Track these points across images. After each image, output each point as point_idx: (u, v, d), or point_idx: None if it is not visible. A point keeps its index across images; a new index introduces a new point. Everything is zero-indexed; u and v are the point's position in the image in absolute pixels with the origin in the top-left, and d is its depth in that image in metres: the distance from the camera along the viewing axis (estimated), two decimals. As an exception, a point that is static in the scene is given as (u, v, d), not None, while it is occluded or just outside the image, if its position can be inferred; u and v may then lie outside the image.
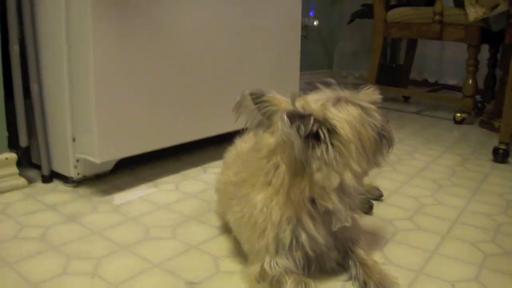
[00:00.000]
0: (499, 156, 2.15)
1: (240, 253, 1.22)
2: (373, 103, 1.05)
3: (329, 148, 0.95)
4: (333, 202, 1.00)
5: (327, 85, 1.06)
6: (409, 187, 1.79)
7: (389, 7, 3.09)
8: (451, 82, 3.95)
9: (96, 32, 1.48)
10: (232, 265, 1.19)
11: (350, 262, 1.13)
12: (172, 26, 1.74)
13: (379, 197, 1.62)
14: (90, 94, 1.52)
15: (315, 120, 0.94)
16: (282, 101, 1.04)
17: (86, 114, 1.55)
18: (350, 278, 1.12)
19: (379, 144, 1.04)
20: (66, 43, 1.55)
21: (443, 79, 4.01)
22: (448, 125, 2.91)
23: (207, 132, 1.95)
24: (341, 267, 1.15)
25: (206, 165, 1.96)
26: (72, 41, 1.54)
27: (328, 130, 0.95)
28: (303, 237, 1.05)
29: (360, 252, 1.15)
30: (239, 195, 1.13)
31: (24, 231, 1.34)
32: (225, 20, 1.95)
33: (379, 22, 3.07)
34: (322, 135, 0.94)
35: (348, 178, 0.98)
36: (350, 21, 4.03)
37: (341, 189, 1.00)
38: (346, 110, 0.98)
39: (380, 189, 1.63)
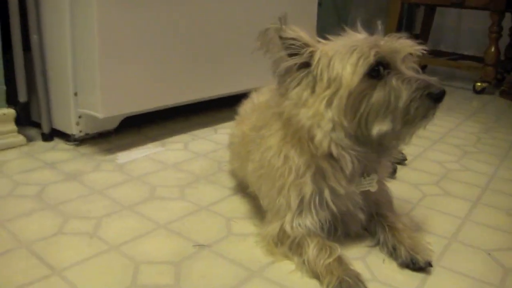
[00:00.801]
0: (526, 123, 2.01)
1: (256, 215, 1.11)
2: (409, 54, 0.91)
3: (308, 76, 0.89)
4: (326, 146, 0.88)
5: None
6: (433, 152, 1.66)
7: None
8: (467, 53, 3.78)
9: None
10: (245, 227, 1.08)
11: (377, 226, 1.01)
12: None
13: (402, 160, 1.49)
14: (93, 45, 1.39)
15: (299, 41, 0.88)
16: (310, 38, 0.91)
17: (89, 67, 1.42)
18: (377, 244, 1.00)
19: (399, 110, 0.85)
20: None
21: (460, 51, 3.84)
22: (467, 94, 2.76)
23: (217, 90, 1.82)
24: (366, 232, 1.04)
25: (217, 126, 1.83)
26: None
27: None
28: (326, 191, 0.93)
29: (389, 214, 1.02)
30: (256, 141, 1.01)
31: (19, 189, 1.23)
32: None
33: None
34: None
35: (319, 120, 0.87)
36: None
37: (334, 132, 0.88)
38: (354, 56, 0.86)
39: (403, 153, 1.50)
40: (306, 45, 0.89)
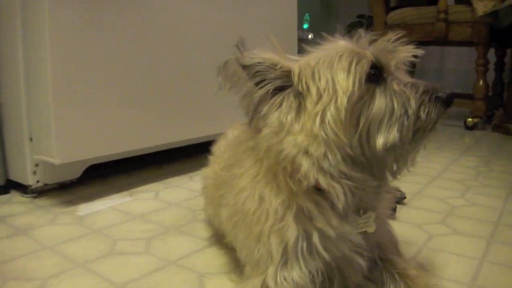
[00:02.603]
0: (525, 155, 1.86)
1: (233, 269, 0.92)
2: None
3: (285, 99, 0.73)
4: (312, 176, 0.70)
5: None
6: (433, 189, 1.48)
7: (389, 9, 2.84)
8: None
9: (53, 19, 1.21)
10: (221, 284, 0.88)
11: (384, 274, 0.81)
12: (148, 15, 1.45)
13: (401, 199, 1.31)
14: (47, 86, 1.23)
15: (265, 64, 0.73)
16: (275, 57, 0.74)
17: (43, 110, 1.26)
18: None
19: (409, 117, 0.70)
20: (21, 28, 1.28)
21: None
22: (459, 131, 2.63)
23: (192, 134, 1.64)
24: (370, 282, 0.83)
25: (193, 173, 1.64)
26: (27, 27, 1.27)
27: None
28: (314, 234, 0.74)
29: (397, 259, 0.83)
30: (229, 182, 0.83)
31: (-43, 247, 1.03)
32: (215, 21, 1.66)
33: (379, 25, 2.81)
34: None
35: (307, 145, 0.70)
36: (348, 32, 3.78)
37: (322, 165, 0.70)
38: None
39: (402, 191, 1.32)
40: (275, 65, 0.73)
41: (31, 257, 0.98)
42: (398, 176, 0.76)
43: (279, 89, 0.73)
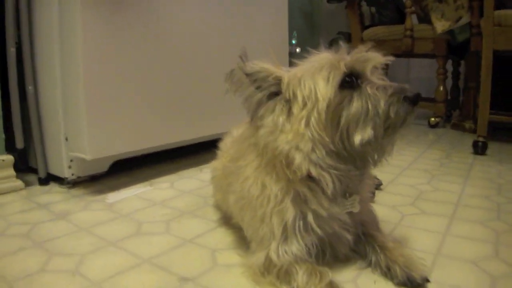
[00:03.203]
0: (479, 148, 1.88)
1: (241, 245, 0.92)
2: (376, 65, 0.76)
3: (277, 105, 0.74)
4: (305, 168, 0.72)
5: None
6: (404, 177, 1.49)
7: (364, 27, 2.84)
8: (418, 96, 3.71)
9: (85, 34, 1.21)
10: (231, 257, 0.88)
11: (367, 247, 0.83)
12: (167, 26, 1.45)
13: (378, 186, 1.32)
14: (80, 93, 1.23)
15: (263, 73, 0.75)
16: (272, 67, 0.76)
17: (77, 113, 1.25)
18: (368, 265, 0.82)
19: (379, 116, 0.71)
20: (59, 43, 1.27)
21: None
22: (424, 129, 2.63)
23: (203, 132, 1.64)
24: (355, 254, 0.85)
25: (203, 166, 1.64)
26: (64, 42, 1.26)
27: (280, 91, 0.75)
28: (309, 215, 0.75)
29: (377, 234, 0.84)
30: (235, 172, 0.84)
31: (10, 229, 1.03)
32: (220, 24, 1.66)
33: (356, 41, 2.81)
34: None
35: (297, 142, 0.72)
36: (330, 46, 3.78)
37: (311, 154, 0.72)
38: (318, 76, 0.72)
39: (379, 178, 1.33)
40: (270, 74, 0.75)
41: (70, 237, 0.99)
42: (378, 165, 0.77)
43: (274, 94, 0.75)
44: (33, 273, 0.81)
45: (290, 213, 0.75)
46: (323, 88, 0.71)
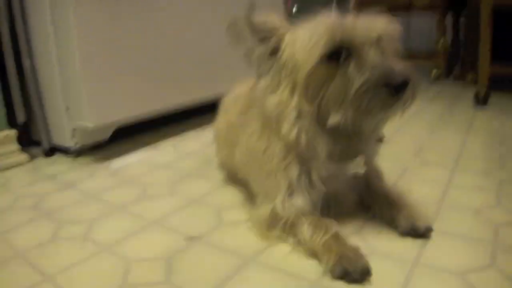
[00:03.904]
0: (480, 99, 1.86)
1: (246, 203, 0.93)
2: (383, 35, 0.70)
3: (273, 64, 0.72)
4: (293, 135, 0.72)
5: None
6: (406, 130, 1.48)
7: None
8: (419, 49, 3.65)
9: (78, 5, 1.18)
10: (237, 215, 0.89)
11: (371, 198, 0.82)
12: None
13: (380, 138, 1.29)
14: (76, 62, 1.21)
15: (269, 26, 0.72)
16: (280, 22, 0.73)
17: (75, 82, 1.24)
18: (373, 216, 0.82)
19: (350, 101, 0.65)
20: (51, 15, 1.24)
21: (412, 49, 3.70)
22: (425, 82, 2.60)
23: (203, 95, 1.62)
24: (359, 206, 0.85)
25: (205, 127, 1.62)
26: (57, 14, 1.23)
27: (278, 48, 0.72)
28: (312, 173, 0.75)
29: (382, 185, 0.84)
30: (243, 125, 0.84)
31: (19, 201, 1.04)
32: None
33: (355, 1, 2.74)
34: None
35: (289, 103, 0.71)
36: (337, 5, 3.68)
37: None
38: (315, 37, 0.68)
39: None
40: (276, 29, 0.72)
41: (77, 205, 1.00)
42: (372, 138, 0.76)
43: (275, 51, 0.72)
44: (45, 242, 0.82)
45: (294, 170, 0.75)
46: (305, 59, 0.67)
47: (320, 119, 0.70)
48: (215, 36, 1.58)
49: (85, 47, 1.21)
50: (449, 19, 2.85)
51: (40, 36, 1.30)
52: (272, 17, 0.73)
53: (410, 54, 2.94)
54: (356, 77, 0.64)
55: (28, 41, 1.33)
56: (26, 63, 1.33)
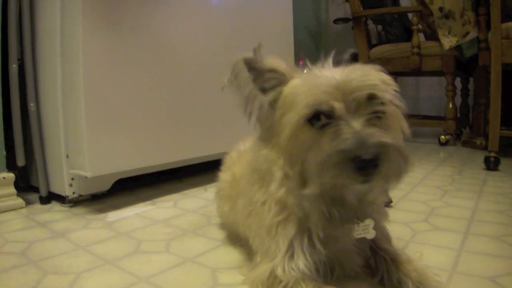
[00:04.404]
0: (491, 163, 1.82)
1: (244, 265, 0.87)
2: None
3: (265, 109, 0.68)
4: (281, 195, 0.69)
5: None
6: (416, 194, 1.43)
7: (371, 46, 2.81)
8: (428, 114, 3.65)
9: (86, 52, 1.20)
10: (232, 277, 0.82)
11: (378, 260, 0.76)
12: (170, 43, 1.43)
13: (388, 203, 1.25)
14: (80, 109, 1.21)
15: (272, 74, 0.68)
16: (287, 71, 0.69)
17: (77, 130, 1.23)
18: (379, 281, 0.75)
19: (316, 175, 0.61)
20: (60, 61, 1.26)
21: (421, 113, 3.71)
22: (434, 147, 2.57)
23: (207, 151, 1.59)
24: (366, 269, 0.78)
25: (208, 186, 1.59)
26: (66, 60, 1.25)
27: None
28: (313, 233, 0.70)
29: (390, 248, 0.78)
30: (247, 177, 0.79)
31: (7, 246, 0.99)
32: (226, 42, 1.63)
33: (363, 60, 2.78)
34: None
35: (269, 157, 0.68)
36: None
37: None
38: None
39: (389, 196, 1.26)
40: (283, 77, 0.68)
41: (67, 255, 0.94)
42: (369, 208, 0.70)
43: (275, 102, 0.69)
44: (25, 292, 0.77)
45: (291, 228, 0.70)
46: (290, 119, 0.63)
47: (304, 184, 0.64)
48: (224, 92, 1.58)
49: (92, 96, 1.21)
50: (458, 84, 2.87)
51: (48, 80, 1.31)
52: (280, 64, 0.69)
53: (418, 119, 2.96)
54: (326, 147, 0.59)
55: (35, 83, 1.34)
56: (31, 106, 1.33)
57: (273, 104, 0.69)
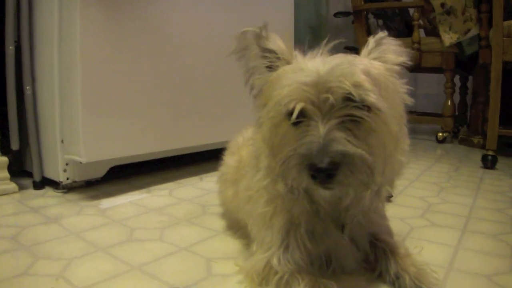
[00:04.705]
0: (488, 162, 1.80)
1: (239, 255, 0.86)
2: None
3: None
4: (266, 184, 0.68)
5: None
6: (413, 189, 1.42)
7: (371, 40, 2.79)
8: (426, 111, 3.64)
9: (84, 36, 1.17)
10: (227, 267, 0.81)
11: (378, 251, 0.74)
12: (167, 28, 1.40)
13: (388, 197, 1.23)
14: (77, 94, 1.18)
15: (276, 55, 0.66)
16: (285, 55, 0.67)
17: (73, 114, 1.21)
18: (378, 276, 0.73)
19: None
20: (58, 44, 1.23)
21: (419, 110, 3.69)
22: (431, 144, 2.56)
23: (204, 140, 1.57)
24: (365, 264, 0.77)
25: (203, 175, 1.57)
26: (63, 43, 1.22)
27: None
28: (307, 226, 0.68)
29: (390, 240, 0.76)
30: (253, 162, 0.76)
31: (-2, 231, 0.97)
32: (224, 32, 1.61)
33: (363, 54, 2.76)
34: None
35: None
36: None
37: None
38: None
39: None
40: (278, 61, 0.67)
41: (59, 241, 0.92)
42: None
43: None
44: (15, 276, 0.75)
45: (281, 219, 0.69)
46: (270, 111, 0.61)
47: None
48: (226, 80, 1.56)
49: (88, 80, 1.19)
50: (457, 82, 2.86)
51: (45, 64, 1.28)
52: (283, 45, 0.67)
53: (416, 115, 2.95)
54: (292, 146, 0.57)
55: (32, 68, 1.31)
56: (27, 89, 1.30)
57: (261, 88, 0.67)
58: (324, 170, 0.53)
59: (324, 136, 0.54)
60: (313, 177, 0.54)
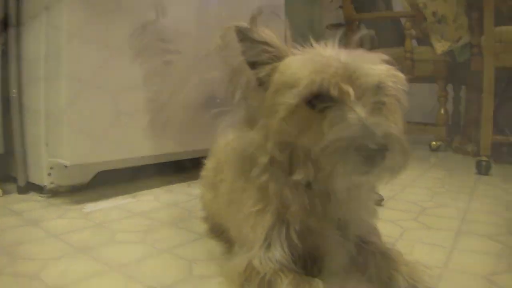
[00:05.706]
0: (482, 168, 1.76)
1: (221, 257, 0.81)
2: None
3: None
4: (263, 181, 0.63)
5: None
6: (406, 194, 1.37)
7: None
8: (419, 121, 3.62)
9: (71, 38, 1.14)
10: (208, 268, 0.77)
11: (366, 254, 0.69)
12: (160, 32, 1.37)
13: (379, 201, 1.18)
14: (62, 97, 1.15)
15: (266, 48, 0.61)
16: (284, 46, 0.63)
17: (58, 117, 1.17)
18: (369, 278, 0.68)
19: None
20: (45, 47, 1.20)
21: (412, 120, 3.67)
22: (425, 153, 2.52)
23: (192, 146, 1.51)
24: (354, 264, 0.71)
25: (193, 181, 1.51)
26: (50, 46, 1.19)
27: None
28: (290, 226, 0.64)
29: (380, 242, 0.72)
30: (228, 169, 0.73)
31: (-25, 234, 0.93)
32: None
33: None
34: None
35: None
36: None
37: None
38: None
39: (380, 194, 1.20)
40: (279, 52, 0.62)
41: (37, 242, 0.88)
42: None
43: (265, 81, 0.62)
44: (-12, 277, 0.70)
45: (269, 217, 0.64)
46: (286, 100, 0.57)
47: (291, 169, 0.60)
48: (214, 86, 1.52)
49: (74, 82, 1.15)
50: (450, 92, 2.84)
51: (31, 67, 1.25)
52: (275, 37, 0.62)
53: (409, 125, 2.92)
54: (328, 132, 0.53)
55: (18, 70, 1.27)
56: (13, 92, 1.27)
57: (264, 81, 0.62)
58: (378, 151, 0.50)
59: (367, 119, 0.53)
60: (366, 158, 0.50)
